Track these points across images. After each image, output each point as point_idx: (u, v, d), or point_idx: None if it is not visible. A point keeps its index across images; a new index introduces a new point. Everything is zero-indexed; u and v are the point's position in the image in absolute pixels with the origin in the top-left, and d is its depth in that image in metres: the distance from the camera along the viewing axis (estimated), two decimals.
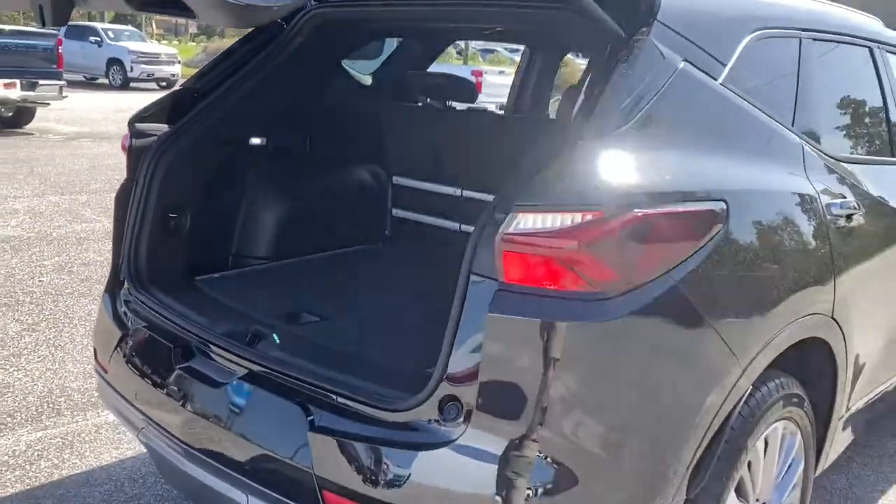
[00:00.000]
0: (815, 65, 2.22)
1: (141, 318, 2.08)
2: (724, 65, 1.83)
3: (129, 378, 2.02)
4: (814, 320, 1.92)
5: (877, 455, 3.04)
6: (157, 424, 1.91)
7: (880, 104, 2.62)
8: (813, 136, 2.11)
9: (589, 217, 1.42)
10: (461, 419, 1.47)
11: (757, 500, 1.91)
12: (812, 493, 2.19)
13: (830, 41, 2.37)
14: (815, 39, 2.25)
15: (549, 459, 1.45)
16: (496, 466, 1.44)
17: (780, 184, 1.89)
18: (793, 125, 2.04)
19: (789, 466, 2.03)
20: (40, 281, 4.45)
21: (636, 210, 1.46)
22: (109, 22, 24.79)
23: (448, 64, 14.72)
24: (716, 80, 1.79)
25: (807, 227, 1.91)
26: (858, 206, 2.15)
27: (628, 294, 1.45)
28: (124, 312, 2.13)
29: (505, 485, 1.43)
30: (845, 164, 2.23)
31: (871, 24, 2.75)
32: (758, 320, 1.71)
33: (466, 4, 2.20)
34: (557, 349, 1.41)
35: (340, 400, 1.64)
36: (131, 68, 19.15)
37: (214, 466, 1.76)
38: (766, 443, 1.88)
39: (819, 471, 2.29)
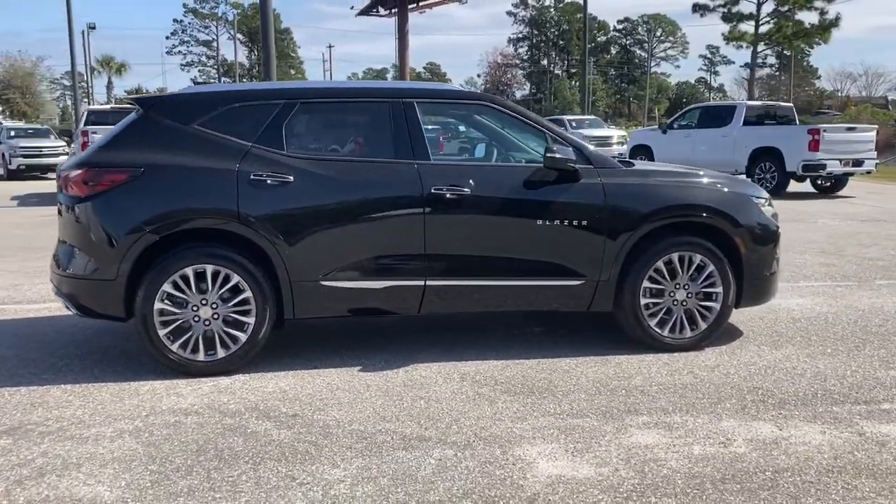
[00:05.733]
0: (296, 114, 4.61)
1: None
2: (197, 118, 4.47)
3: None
4: (212, 220, 4.33)
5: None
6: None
7: (380, 130, 4.77)
8: (272, 145, 4.49)
9: (81, 171, 4.27)
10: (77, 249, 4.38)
11: (214, 304, 4.35)
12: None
13: (318, 102, 4.76)
14: (304, 102, 4.65)
15: (78, 250, 4.31)
16: (74, 255, 4.36)
17: (208, 162, 4.37)
18: (256, 142, 4.50)
19: (238, 290, 4.36)
20: None
21: (95, 168, 4.27)
22: None
23: None
24: (186, 125, 4.46)
25: (218, 182, 4.35)
26: (294, 176, 4.44)
27: (95, 196, 4.23)
28: None
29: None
30: (296, 159, 4.48)
31: (399, 88, 5.04)
32: (148, 210, 4.26)
33: None
34: (72, 213, 4.29)
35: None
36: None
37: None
38: (209, 275, 4.32)
39: (298, 315, 4.49)
